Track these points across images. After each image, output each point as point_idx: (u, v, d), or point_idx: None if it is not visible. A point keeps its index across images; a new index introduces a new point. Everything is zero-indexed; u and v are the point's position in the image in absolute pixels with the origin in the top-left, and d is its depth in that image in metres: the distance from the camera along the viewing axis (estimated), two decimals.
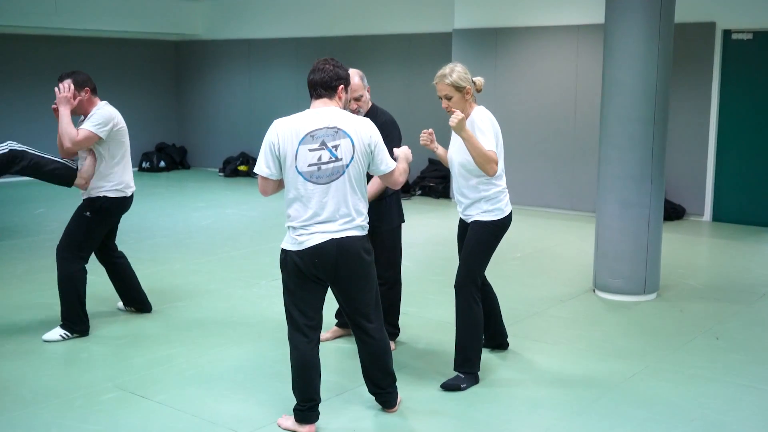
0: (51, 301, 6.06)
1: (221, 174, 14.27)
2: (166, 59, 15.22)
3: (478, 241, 4.54)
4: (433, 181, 11.74)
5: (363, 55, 12.41)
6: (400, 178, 4.12)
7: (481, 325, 4.58)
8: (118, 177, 5.57)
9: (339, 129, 3.85)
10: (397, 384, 4.27)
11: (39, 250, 8.10)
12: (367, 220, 3.99)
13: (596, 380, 4.74)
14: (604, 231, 6.50)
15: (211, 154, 14.96)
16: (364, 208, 3.96)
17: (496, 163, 4.37)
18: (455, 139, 4.59)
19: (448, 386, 4.52)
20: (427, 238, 8.78)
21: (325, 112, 3.89)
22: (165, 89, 15.24)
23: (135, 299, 5.99)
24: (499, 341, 5.17)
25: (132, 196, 5.76)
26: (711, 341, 5.47)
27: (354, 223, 3.89)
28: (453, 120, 4.25)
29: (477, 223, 4.55)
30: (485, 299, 4.88)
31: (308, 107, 3.99)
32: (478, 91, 4.55)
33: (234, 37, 14.38)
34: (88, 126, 5.35)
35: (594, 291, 6.64)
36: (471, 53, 10.99)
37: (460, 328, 4.57)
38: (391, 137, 4.87)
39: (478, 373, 4.63)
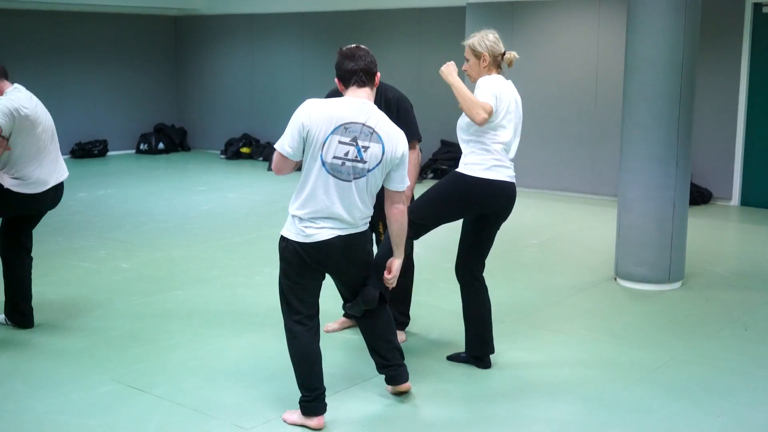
0: (42, 289, 6.07)
1: (223, 156, 14.27)
2: (165, 35, 15.19)
3: (439, 185, 4.54)
4: (446, 163, 11.70)
5: (371, 31, 12.35)
6: (403, 206, 4.00)
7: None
8: (21, 171, 5.15)
9: (375, 132, 3.81)
10: (406, 362, 4.29)
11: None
12: (371, 214, 3.99)
13: (618, 373, 4.72)
14: (626, 216, 6.46)
15: (212, 135, 14.95)
16: (371, 211, 3.96)
17: (486, 111, 4.27)
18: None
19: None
20: None
21: (364, 106, 3.85)
22: (163, 67, 15.22)
23: (22, 310, 5.42)
24: (477, 352, 4.74)
25: (45, 193, 5.27)
26: (739, 332, 5.44)
27: (361, 222, 3.92)
28: (442, 67, 4.36)
29: (451, 172, 4.55)
30: (471, 296, 4.72)
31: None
32: (508, 65, 4.60)
33: (236, 11, 14.33)
34: None
35: (616, 279, 6.62)
36: (485, 28, 10.90)
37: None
38: (410, 112, 4.95)
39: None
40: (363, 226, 3.94)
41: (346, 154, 3.78)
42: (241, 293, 6.28)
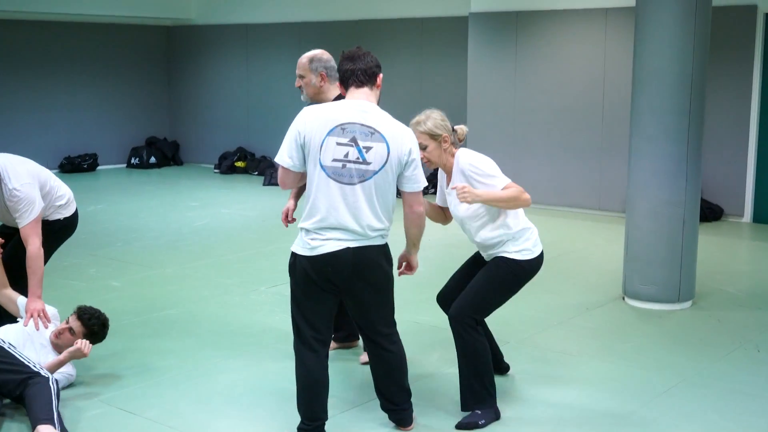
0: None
1: (217, 171, 14.29)
2: (158, 46, 15.25)
3: (495, 274, 4.38)
4: None
5: (371, 41, 12.40)
6: (422, 208, 4.02)
7: (485, 353, 4.37)
8: (57, 200, 5.24)
9: (376, 131, 3.80)
10: (412, 400, 4.26)
11: None
12: (388, 229, 3.93)
13: (626, 396, 4.73)
14: (634, 233, 6.48)
15: (206, 149, 14.97)
16: (387, 220, 3.90)
17: (523, 191, 4.23)
18: (450, 196, 4.45)
19: (464, 425, 4.30)
20: (441, 238, 8.76)
21: (362, 106, 3.84)
22: (156, 79, 15.26)
23: None
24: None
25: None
26: (752, 353, 5.45)
27: (376, 233, 3.85)
28: (466, 197, 4.11)
29: (500, 258, 4.38)
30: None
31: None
32: (460, 140, 4.45)
33: (231, 21, 14.39)
34: (29, 219, 4.88)
35: (623, 299, 6.62)
36: (489, 39, 10.97)
37: (462, 360, 4.40)
38: None
39: (497, 406, 4.41)
40: (378, 239, 3.88)
41: (346, 155, 3.76)
42: (236, 313, 6.28)
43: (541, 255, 4.46)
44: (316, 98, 4.98)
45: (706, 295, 6.74)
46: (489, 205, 4.25)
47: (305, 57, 4.99)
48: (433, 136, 4.31)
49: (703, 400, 4.67)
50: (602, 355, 5.42)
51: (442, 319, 6.06)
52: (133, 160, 14.77)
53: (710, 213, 9.72)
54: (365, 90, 3.92)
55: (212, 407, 4.53)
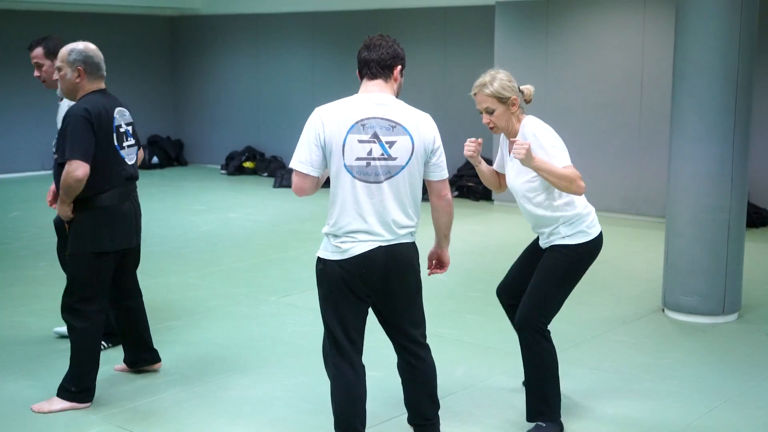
0: (24, 319, 6.12)
1: (224, 172, 14.37)
2: (161, 38, 15.34)
3: (553, 267, 4.42)
4: (473, 180, 11.74)
5: (391, 32, 12.29)
6: (450, 195, 4.07)
7: (554, 364, 4.46)
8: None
9: (397, 124, 3.86)
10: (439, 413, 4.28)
11: (13, 260, 8.20)
12: (417, 226, 4.00)
13: (666, 416, 4.72)
14: (675, 240, 6.47)
15: (212, 148, 15.05)
16: (416, 215, 3.97)
17: (579, 176, 4.23)
18: (513, 163, 4.48)
19: None
20: (465, 247, 8.78)
21: (379, 99, 3.90)
22: (159, 73, 15.35)
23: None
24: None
25: None
26: None
27: (405, 230, 3.92)
28: (520, 152, 4.13)
29: (555, 248, 4.44)
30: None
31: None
32: (527, 101, 4.44)
33: (239, 11, 14.46)
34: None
35: (663, 311, 6.62)
36: (517, 30, 10.98)
37: (529, 370, 4.49)
38: (68, 129, 4.80)
39: (561, 420, 4.47)
40: (408, 237, 3.94)
41: (369, 152, 3.82)
42: (244, 325, 6.31)
43: (599, 236, 4.49)
44: (71, 95, 5.03)
45: (753, 307, 6.72)
46: (541, 175, 4.23)
47: (65, 48, 5.04)
48: (502, 99, 4.31)
49: (749, 421, 4.66)
50: (640, 372, 5.41)
51: (465, 332, 6.09)
52: None
53: (758, 218, 9.69)
54: (379, 82, 3.96)
55: (219, 427, 4.56)
